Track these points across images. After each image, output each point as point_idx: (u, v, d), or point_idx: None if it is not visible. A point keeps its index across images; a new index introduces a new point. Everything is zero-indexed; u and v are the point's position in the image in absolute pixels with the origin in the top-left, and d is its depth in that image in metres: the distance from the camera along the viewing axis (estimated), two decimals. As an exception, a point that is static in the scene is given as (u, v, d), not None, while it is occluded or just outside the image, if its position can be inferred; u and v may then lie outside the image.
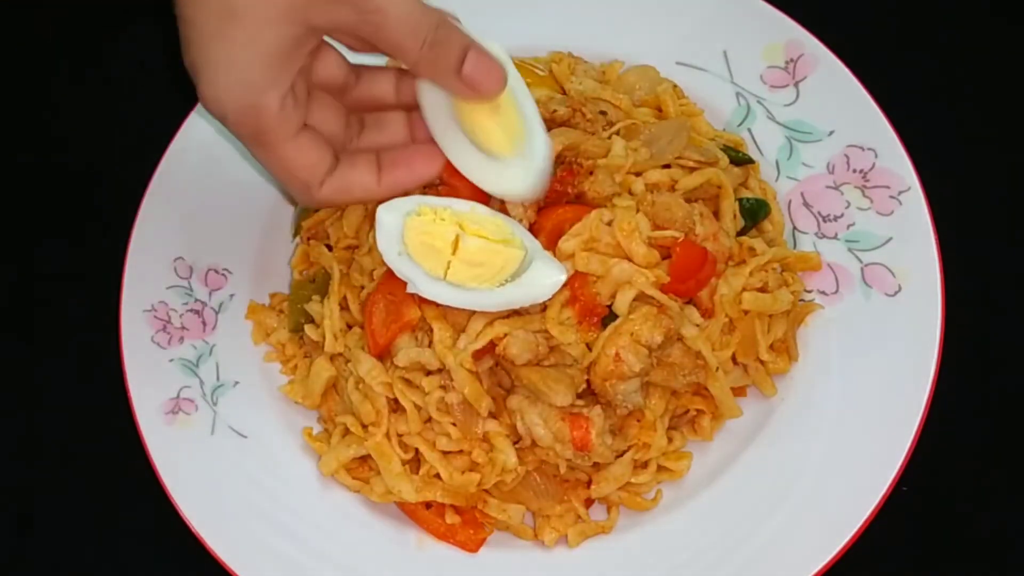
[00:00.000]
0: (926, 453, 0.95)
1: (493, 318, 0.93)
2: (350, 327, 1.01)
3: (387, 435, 0.97)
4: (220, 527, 0.97)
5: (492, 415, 0.95)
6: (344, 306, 1.02)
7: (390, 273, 0.93)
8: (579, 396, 0.93)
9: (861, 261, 1.03)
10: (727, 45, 1.12)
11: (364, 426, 0.98)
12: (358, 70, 0.93)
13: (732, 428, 1.00)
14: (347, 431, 0.99)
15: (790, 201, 1.07)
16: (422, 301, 0.93)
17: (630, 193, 0.97)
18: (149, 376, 1.03)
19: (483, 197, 0.93)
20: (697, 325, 0.95)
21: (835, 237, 1.04)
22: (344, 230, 1.04)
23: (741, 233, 1.02)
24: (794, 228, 1.06)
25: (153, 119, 1.13)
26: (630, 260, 0.93)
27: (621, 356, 0.91)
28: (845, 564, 0.92)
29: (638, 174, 0.99)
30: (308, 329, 1.03)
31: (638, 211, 0.95)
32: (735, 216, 1.01)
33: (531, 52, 1.12)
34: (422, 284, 0.90)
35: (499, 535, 0.98)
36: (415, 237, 0.90)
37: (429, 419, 0.96)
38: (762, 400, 1.00)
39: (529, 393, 0.93)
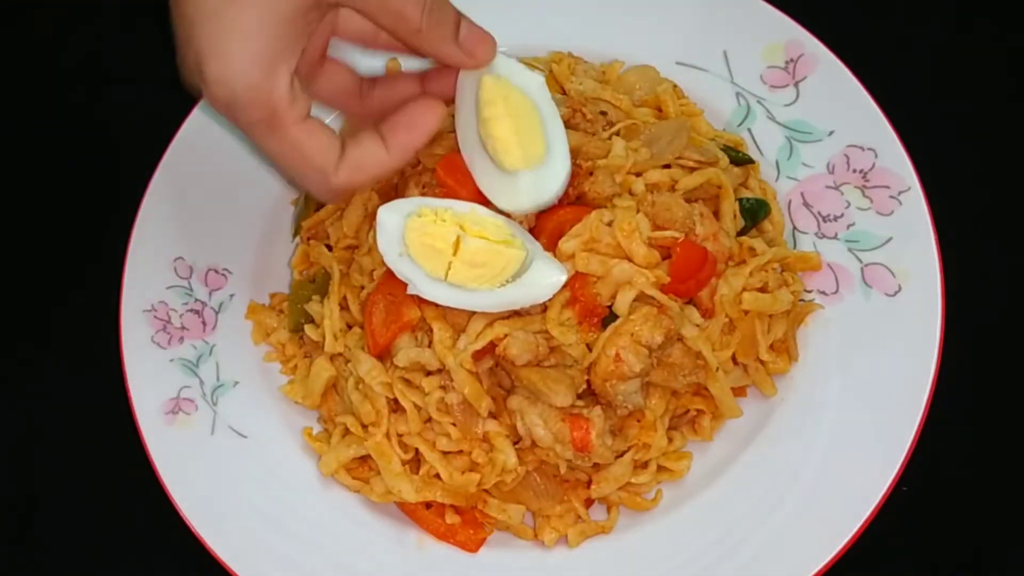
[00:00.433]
0: (926, 453, 0.95)
1: (493, 319, 0.93)
2: (350, 327, 1.01)
3: (387, 435, 0.97)
4: (220, 527, 0.97)
5: (492, 415, 0.95)
6: (344, 306, 1.02)
7: (390, 273, 0.93)
8: (579, 396, 0.93)
9: (861, 261, 1.03)
10: (727, 45, 1.12)
11: (364, 426, 0.98)
12: (372, 79, 0.94)
13: (732, 428, 1.00)
14: (347, 431, 0.99)
15: (790, 201, 1.07)
16: (422, 301, 0.93)
17: (630, 193, 0.97)
18: (149, 376, 1.04)
19: (483, 198, 0.93)
20: (697, 325, 0.95)
21: (835, 237, 1.04)
22: (344, 230, 1.04)
23: (741, 233, 1.02)
24: (794, 228, 1.06)
25: (153, 119, 1.13)
26: (630, 260, 0.93)
27: (621, 356, 0.91)
28: (845, 564, 0.92)
29: (638, 174, 0.99)
30: (308, 329, 1.03)
31: (638, 211, 0.95)
32: (735, 216, 1.01)
33: (531, 52, 1.12)
34: (423, 285, 0.90)
35: (499, 535, 0.98)
36: (416, 238, 0.90)
37: (429, 419, 0.96)
38: (762, 400, 1.00)
39: (529, 394, 0.93)
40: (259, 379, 1.06)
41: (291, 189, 1.13)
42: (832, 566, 0.91)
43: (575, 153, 0.96)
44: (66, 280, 1.16)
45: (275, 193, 1.13)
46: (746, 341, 0.98)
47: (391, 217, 0.91)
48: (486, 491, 0.97)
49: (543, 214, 0.95)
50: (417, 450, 0.97)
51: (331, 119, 1.08)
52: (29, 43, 1.28)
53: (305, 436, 1.02)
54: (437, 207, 0.91)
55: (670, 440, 0.98)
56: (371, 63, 0.98)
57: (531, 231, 0.94)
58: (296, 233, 1.11)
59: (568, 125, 1.00)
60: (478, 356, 0.93)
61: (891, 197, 1.04)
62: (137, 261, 1.08)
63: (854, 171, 1.06)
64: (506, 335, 0.92)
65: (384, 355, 0.97)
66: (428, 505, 0.98)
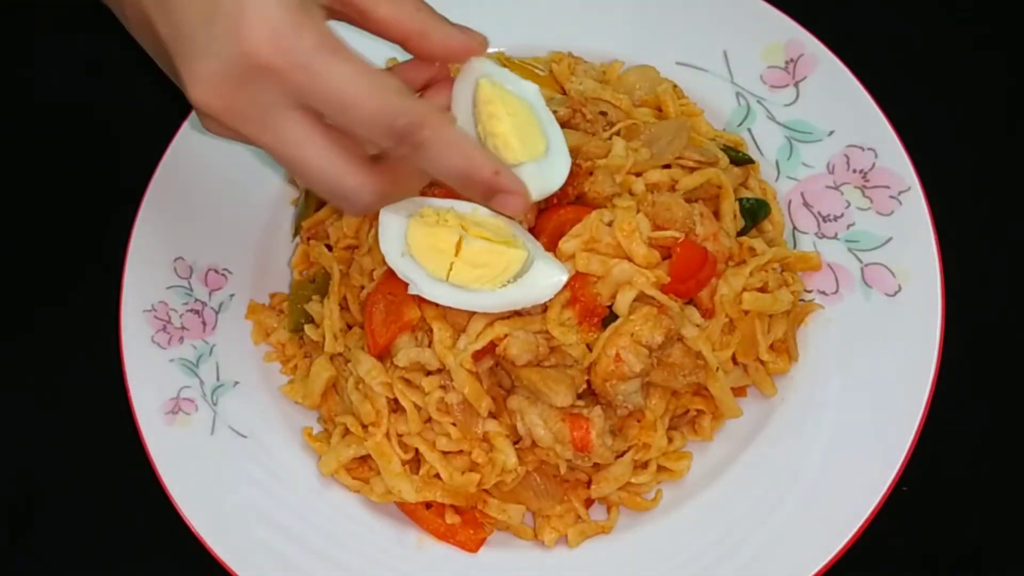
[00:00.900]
0: (926, 453, 0.95)
1: (493, 319, 0.93)
2: (350, 327, 1.01)
3: (387, 435, 0.97)
4: (220, 527, 0.97)
5: (492, 415, 0.95)
6: (344, 306, 1.02)
7: (390, 273, 0.93)
8: (579, 396, 0.93)
9: (861, 261, 1.03)
10: (727, 45, 1.12)
11: (364, 426, 0.98)
12: None
13: (732, 428, 1.00)
14: (347, 431, 0.99)
15: (790, 201, 1.07)
16: (422, 301, 0.93)
17: (630, 193, 0.97)
18: (149, 376, 1.03)
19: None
20: (697, 325, 0.95)
21: (835, 237, 1.04)
22: (344, 230, 1.04)
23: (741, 233, 1.02)
24: (794, 228, 1.06)
25: (153, 119, 1.13)
26: (630, 260, 0.93)
27: (621, 356, 0.91)
28: (845, 564, 0.92)
29: (638, 174, 0.99)
30: (308, 329, 1.03)
31: (638, 211, 0.95)
32: (735, 216, 1.01)
33: (531, 52, 1.12)
34: (424, 285, 0.90)
35: (499, 535, 0.98)
36: (418, 239, 0.90)
37: (429, 419, 0.96)
38: (762, 400, 1.00)
39: (529, 394, 0.93)
40: (259, 379, 1.06)
41: (291, 189, 1.13)
42: (832, 566, 0.91)
43: (575, 153, 0.95)
44: (66, 280, 1.16)
45: (275, 193, 1.13)
46: (746, 341, 0.98)
47: (393, 217, 0.91)
48: (486, 491, 0.97)
49: (543, 214, 0.95)
50: (417, 450, 0.97)
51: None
52: (29, 43, 1.28)
53: (305, 436, 1.02)
54: (439, 207, 0.91)
55: (670, 440, 0.98)
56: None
57: (531, 231, 0.94)
58: (296, 233, 1.11)
59: (568, 125, 1.00)
60: (478, 356, 0.93)
61: (891, 197, 1.04)
62: (137, 261, 1.07)
63: (854, 171, 1.06)
64: (506, 335, 0.92)
65: (384, 355, 0.97)
66: (428, 505, 0.98)
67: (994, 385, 1.04)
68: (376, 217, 0.91)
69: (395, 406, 0.97)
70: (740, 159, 1.06)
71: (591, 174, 0.96)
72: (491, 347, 0.93)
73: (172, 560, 1.01)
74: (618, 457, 0.96)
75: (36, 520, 1.06)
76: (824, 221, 1.05)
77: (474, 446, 0.95)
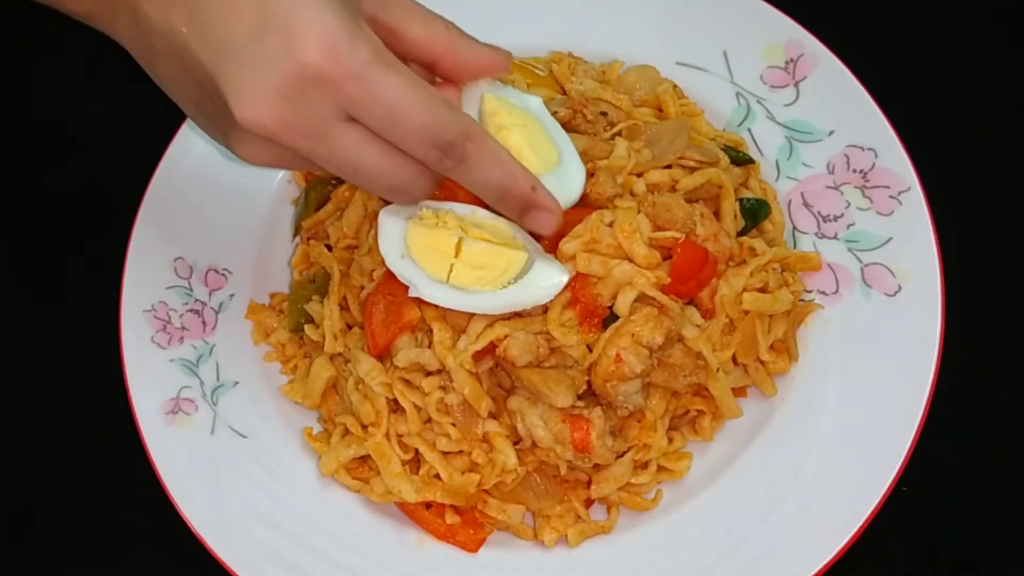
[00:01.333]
0: (926, 453, 0.95)
1: (494, 319, 0.93)
2: (350, 327, 1.01)
3: (387, 435, 0.97)
4: (220, 527, 0.97)
5: (492, 416, 0.95)
6: (344, 306, 1.02)
7: (390, 273, 0.93)
8: (580, 397, 0.93)
9: (861, 261, 1.03)
10: (727, 45, 1.12)
11: (364, 426, 0.98)
12: None
13: (732, 428, 1.00)
14: (347, 431, 0.99)
15: (790, 201, 1.07)
16: (422, 302, 0.93)
17: (631, 194, 0.97)
18: (149, 376, 1.03)
19: (481, 199, 0.93)
20: (698, 326, 0.95)
21: (835, 237, 1.04)
22: (344, 230, 1.04)
23: (741, 233, 1.02)
24: (794, 228, 1.06)
25: (153, 118, 1.13)
26: (631, 261, 0.93)
27: (622, 357, 0.91)
28: (845, 564, 0.92)
29: (639, 175, 0.99)
30: (308, 329, 1.03)
31: (639, 212, 0.95)
32: (735, 216, 1.01)
33: (531, 52, 1.12)
34: (425, 287, 0.90)
35: (499, 535, 0.98)
36: (418, 241, 0.90)
37: (429, 420, 0.96)
38: (762, 400, 1.00)
39: (529, 394, 0.93)
40: (259, 379, 1.06)
41: (291, 189, 1.13)
42: (832, 566, 0.91)
43: (581, 155, 0.96)
44: (66, 280, 1.16)
45: (275, 193, 1.13)
46: (746, 341, 0.98)
47: (392, 220, 0.91)
48: (486, 491, 0.97)
49: (544, 215, 0.95)
50: (417, 450, 0.97)
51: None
52: (30, 43, 1.28)
53: (305, 436, 1.02)
54: (438, 209, 0.91)
55: (670, 440, 0.98)
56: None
57: (532, 233, 0.94)
58: (296, 233, 1.11)
59: (569, 126, 1.00)
60: (478, 357, 0.93)
61: (891, 197, 1.04)
62: (137, 261, 1.07)
63: (854, 171, 1.06)
64: (506, 336, 0.92)
65: (384, 355, 0.97)
66: (428, 505, 0.98)
67: (994, 385, 1.04)
68: (376, 217, 0.92)
69: (395, 406, 0.97)
70: (740, 159, 1.06)
71: (592, 175, 0.96)
72: (491, 348, 0.93)
73: (172, 560, 1.01)
74: (618, 457, 0.96)
75: (36, 520, 1.06)
76: (824, 221, 1.05)
77: (474, 446, 0.95)
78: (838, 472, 0.95)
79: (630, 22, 1.14)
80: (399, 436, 0.97)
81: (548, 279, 0.90)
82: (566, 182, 0.91)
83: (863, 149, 1.06)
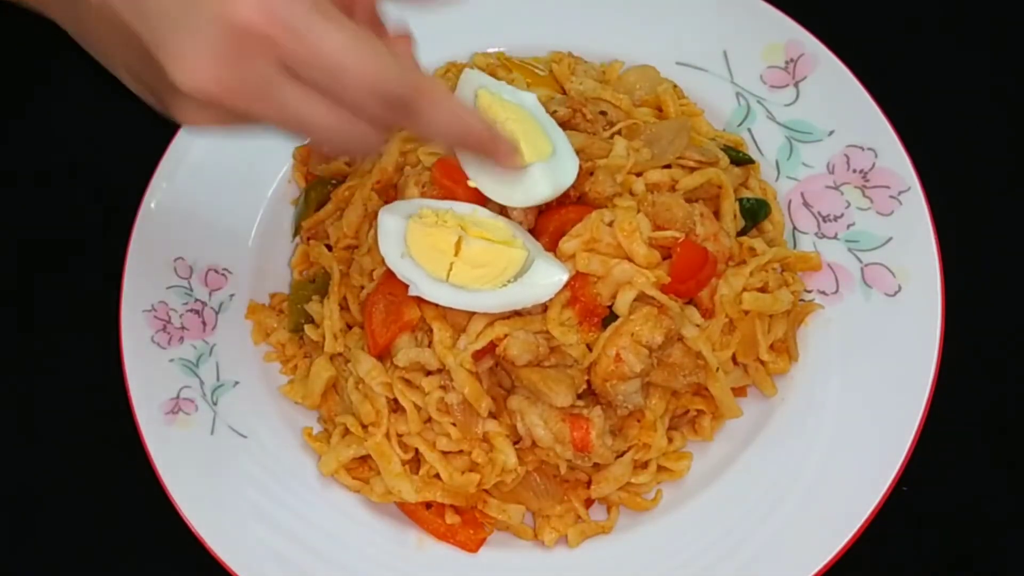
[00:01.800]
0: (926, 453, 0.95)
1: (493, 319, 0.93)
2: (350, 327, 1.01)
3: (387, 435, 0.97)
4: (220, 527, 0.97)
5: (492, 415, 0.95)
6: (344, 306, 1.02)
7: (390, 273, 0.93)
8: (579, 397, 0.93)
9: (861, 261, 1.03)
10: (727, 45, 1.12)
11: (364, 426, 0.98)
12: None
13: (732, 428, 1.00)
14: (347, 431, 0.99)
15: (790, 201, 1.07)
16: (422, 301, 0.93)
17: (631, 193, 0.97)
18: (149, 376, 1.03)
19: (480, 198, 0.93)
20: (697, 325, 0.95)
21: (835, 237, 1.04)
22: (344, 230, 1.04)
23: (741, 233, 1.02)
24: (794, 228, 1.06)
25: (154, 118, 1.13)
26: (631, 261, 0.93)
27: (622, 356, 0.91)
28: (845, 564, 0.92)
29: (639, 174, 0.99)
30: (308, 329, 1.03)
31: (639, 211, 0.95)
32: (735, 216, 1.01)
33: (531, 52, 1.12)
34: (425, 286, 0.90)
35: (499, 535, 0.98)
36: (417, 240, 0.90)
37: (429, 419, 0.96)
38: (762, 400, 1.00)
39: (529, 394, 0.93)
40: (259, 379, 1.06)
41: (291, 189, 1.13)
42: (832, 566, 0.91)
43: (578, 153, 0.96)
44: (66, 280, 1.15)
45: (275, 193, 1.13)
46: (746, 341, 0.98)
47: (392, 219, 0.91)
48: (486, 491, 0.97)
49: (544, 214, 0.95)
50: (417, 450, 0.97)
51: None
52: (29, 43, 1.28)
53: (305, 436, 1.02)
54: (438, 208, 0.91)
55: (670, 440, 0.98)
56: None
57: (532, 231, 0.94)
58: (296, 233, 1.11)
59: (568, 125, 1.00)
60: (478, 356, 0.93)
61: (891, 197, 1.04)
62: (137, 261, 1.07)
63: (854, 171, 1.06)
64: (506, 335, 0.92)
65: (384, 355, 0.97)
66: (428, 505, 0.98)
67: (994, 385, 1.04)
68: (376, 217, 0.92)
69: (395, 406, 0.97)
70: (740, 159, 1.06)
71: (591, 174, 0.96)
72: (491, 347, 0.93)
73: (172, 560, 1.01)
74: (618, 457, 0.96)
75: (36, 520, 1.06)
76: (824, 221, 1.05)
77: (474, 446, 0.95)
78: (838, 472, 0.95)
79: (630, 22, 1.14)
80: (399, 436, 0.97)
81: (548, 278, 0.90)
82: (559, 170, 0.91)
83: (863, 149, 1.06)
